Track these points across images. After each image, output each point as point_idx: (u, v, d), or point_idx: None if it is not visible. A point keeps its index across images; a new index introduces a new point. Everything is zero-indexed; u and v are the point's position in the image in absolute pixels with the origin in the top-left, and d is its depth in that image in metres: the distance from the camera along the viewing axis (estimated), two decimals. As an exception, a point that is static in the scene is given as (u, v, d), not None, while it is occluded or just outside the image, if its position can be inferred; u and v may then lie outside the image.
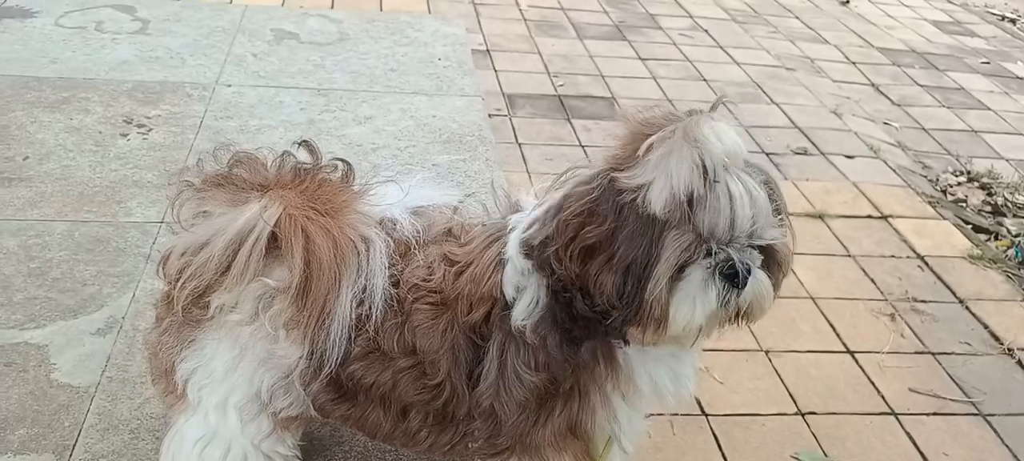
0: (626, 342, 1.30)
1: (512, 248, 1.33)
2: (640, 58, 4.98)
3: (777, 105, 4.47)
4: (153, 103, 3.12)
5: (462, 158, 2.98)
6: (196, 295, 1.36)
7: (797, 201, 3.58)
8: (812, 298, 3.01)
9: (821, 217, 3.46)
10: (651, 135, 1.16)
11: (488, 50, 4.51)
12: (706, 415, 2.50)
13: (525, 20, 5.04)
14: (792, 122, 4.29)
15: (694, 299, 1.19)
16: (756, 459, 2.37)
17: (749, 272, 1.20)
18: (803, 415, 2.52)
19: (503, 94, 4.00)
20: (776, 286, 1.31)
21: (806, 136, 4.16)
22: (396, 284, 1.36)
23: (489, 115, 3.47)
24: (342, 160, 1.46)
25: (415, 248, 1.38)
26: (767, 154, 3.95)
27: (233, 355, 1.40)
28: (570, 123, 3.85)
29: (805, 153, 3.98)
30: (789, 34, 5.39)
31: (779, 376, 2.67)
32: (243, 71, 3.44)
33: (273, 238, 1.32)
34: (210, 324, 1.39)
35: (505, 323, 1.32)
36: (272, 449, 1.50)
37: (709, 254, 1.18)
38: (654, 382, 1.38)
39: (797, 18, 5.70)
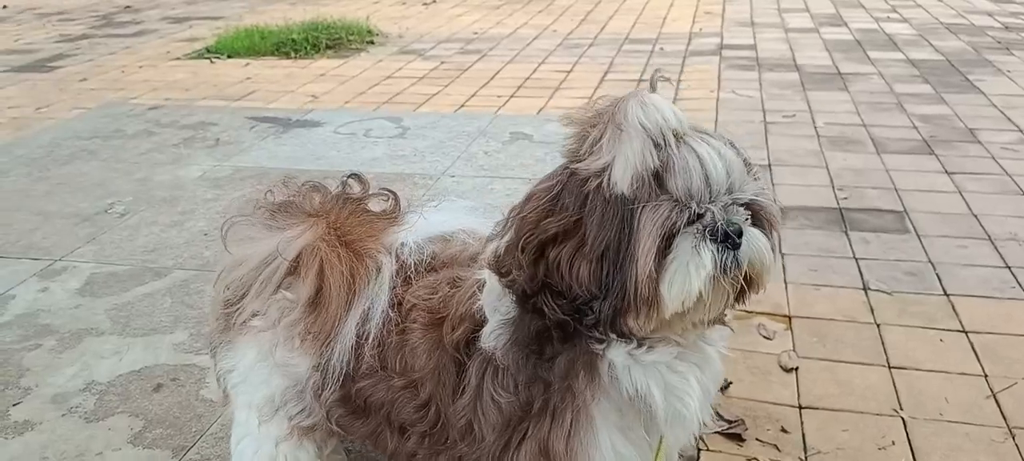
0: (620, 336, 1.20)
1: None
2: (946, 172, 4.46)
3: (1125, 219, 3.70)
4: (382, 190, 3.51)
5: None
6: (231, 304, 1.57)
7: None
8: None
9: None
10: (596, 125, 1.17)
11: (770, 164, 4.35)
12: None
13: (818, 136, 4.79)
14: None
15: (688, 266, 1.13)
16: None
17: (740, 234, 1.14)
18: None
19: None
20: (773, 248, 1.22)
21: None
22: (399, 304, 1.42)
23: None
24: (389, 191, 1.61)
25: (413, 271, 1.44)
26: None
27: (254, 356, 1.55)
28: (847, 235, 3.52)
29: None
30: None
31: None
32: (470, 165, 3.75)
33: (295, 263, 1.49)
34: (242, 328, 1.57)
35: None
36: (292, 455, 1.58)
37: (694, 221, 1.14)
38: (640, 395, 1.24)
39: None
